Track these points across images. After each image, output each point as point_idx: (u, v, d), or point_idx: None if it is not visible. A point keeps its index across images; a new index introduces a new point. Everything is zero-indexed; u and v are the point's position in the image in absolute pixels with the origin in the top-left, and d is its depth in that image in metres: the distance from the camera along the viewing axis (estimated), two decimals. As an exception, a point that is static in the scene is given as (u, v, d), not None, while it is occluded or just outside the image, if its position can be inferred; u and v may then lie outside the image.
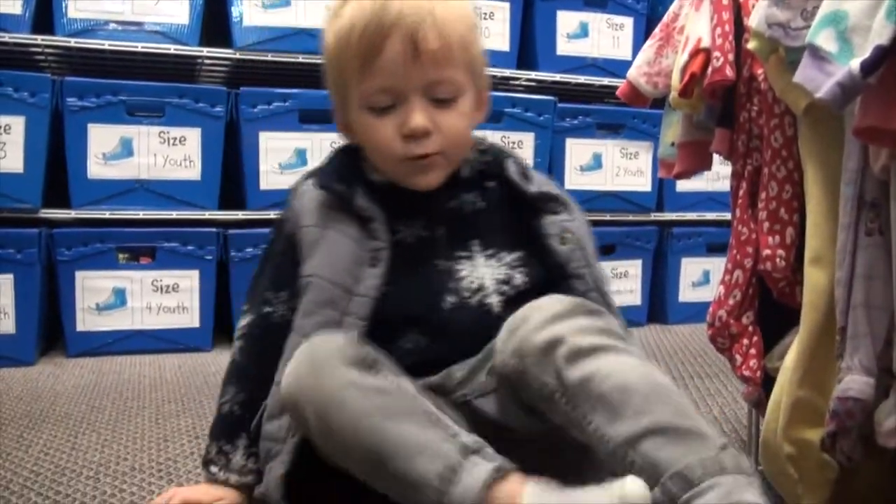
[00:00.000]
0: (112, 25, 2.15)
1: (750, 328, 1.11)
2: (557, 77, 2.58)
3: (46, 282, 2.09)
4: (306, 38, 2.23)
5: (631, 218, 2.62)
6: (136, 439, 1.44)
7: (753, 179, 1.12)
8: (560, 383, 0.75)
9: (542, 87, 2.60)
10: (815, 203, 0.96)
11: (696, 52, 1.13)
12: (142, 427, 1.51)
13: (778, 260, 1.04)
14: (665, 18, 1.27)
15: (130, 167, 2.13)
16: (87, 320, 2.11)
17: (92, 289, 2.10)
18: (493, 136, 2.39)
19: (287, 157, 2.22)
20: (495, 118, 2.40)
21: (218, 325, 2.25)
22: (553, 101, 2.50)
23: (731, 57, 1.10)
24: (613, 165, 2.60)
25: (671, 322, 2.64)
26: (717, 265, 2.62)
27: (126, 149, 2.12)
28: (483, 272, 0.91)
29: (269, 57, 2.25)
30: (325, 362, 0.78)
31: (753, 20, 0.93)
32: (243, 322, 0.99)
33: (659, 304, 2.69)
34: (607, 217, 2.56)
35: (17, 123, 2.00)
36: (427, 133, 0.87)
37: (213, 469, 0.94)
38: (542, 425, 0.80)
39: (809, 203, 0.97)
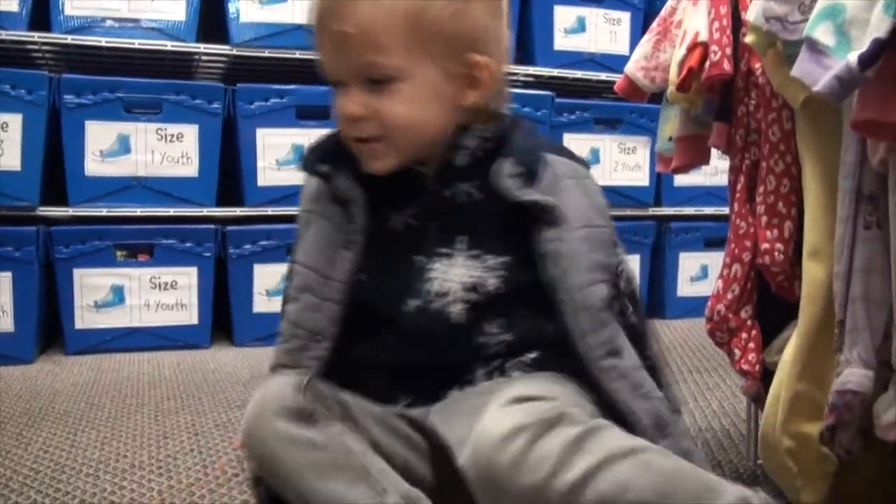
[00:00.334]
0: (109, 22, 2.15)
1: (748, 322, 1.11)
2: (555, 72, 2.57)
3: (45, 279, 2.09)
4: (302, 34, 2.22)
5: (629, 213, 2.63)
6: (135, 437, 1.44)
7: (751, 173, 1.12)
8: None
9: (539, 82, 2.60)
10: (814, 197, 0.96)
11: (693, 47, 1.13)
12: (141, 424, 1.51)
13: (776, 254, 1.05)
14: (662, 13, 1.27)
15: (128, 164, 2.12)
16: (85, 318, 2.10)
17: (90, 286, 2.10)
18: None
19: (284, 153, 2.22)
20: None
21: (216, 322, 2.25)
22: (550, 96, 2.50)
23: (728, 51, 1.10)
24: (611, 160, 2.61)
25: (669, 317, 2.65)
26: (715, 260, 2.62)
27: (123, 146, 2.12)
28: (455, 274, 0.85)
29: (266, 53, 2.24)
30: (266, 415, 0.77)
31: (751, 14, 0.93)
32: None
33: (657, 299, 2.69)
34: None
35: (15, 121, 2.00)
36: (359, 118, 0.84)
37: None
38: None
39: (807, 197, 0.97)
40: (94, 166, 2.10)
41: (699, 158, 1.26)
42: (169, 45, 2.18)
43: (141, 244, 2.16)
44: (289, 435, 0.76)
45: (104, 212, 2.12)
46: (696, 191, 2.69)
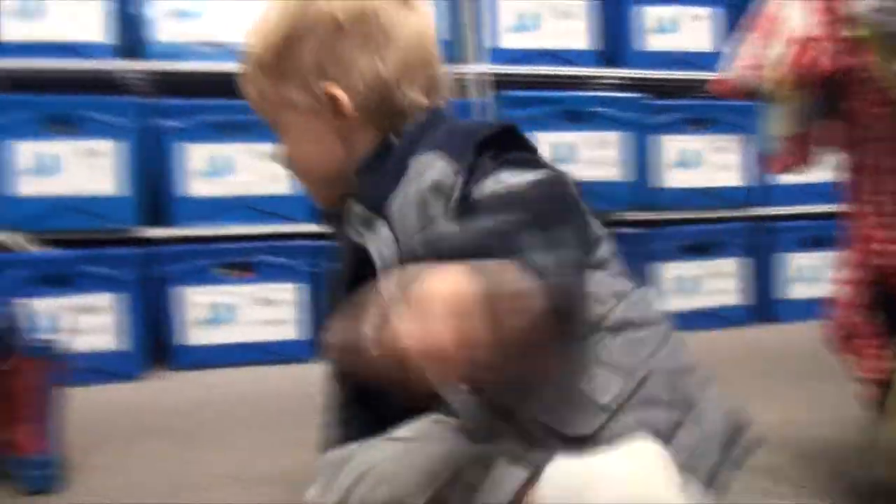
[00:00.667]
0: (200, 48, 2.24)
1: (874, 327, 1.06)
2: (643, 73, 2.54)
3: (145, 297, 2.15)
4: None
5: (724, 214, 2.57)
6: (249, 450, 1.46)
7: (864, 171, 1.08)
8: None
9: (624, 84, 2.57)
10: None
11: (797, 43, 1.10)
12: (251, 438, 1.54)
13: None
14: (763, 9, 1.23)
15: (230, 185, 2.20)
16: (190, 335, 2.17)
17: (194, 304, 2.17)
18: (578, 138, 2.38)
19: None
20: (577, 118, 2.38)
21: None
22: (640, 98, 2.46)
23: (833, 46, 1.06)
24: (705, 161, 2.55)
25: (779, 320, 2.57)
26: (818, 260, 2.55)
27: (226, 166, 2.20)
28: None
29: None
30: None
31: (857, 7, 0.90)
32: None
33: (763, 302, 2.62)
34: (701, 214, 2.52)
35: (107, 146, 2.09)
36: (282, 162, 0.92)
37: None
38: None
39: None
40: (196, 187, 2.18)
41: (808, 157, 1.22)
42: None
43: (242, 262, 2.21)
44: None
45: (206, 231, 2.18)
46: (791, 189, 2.59)
